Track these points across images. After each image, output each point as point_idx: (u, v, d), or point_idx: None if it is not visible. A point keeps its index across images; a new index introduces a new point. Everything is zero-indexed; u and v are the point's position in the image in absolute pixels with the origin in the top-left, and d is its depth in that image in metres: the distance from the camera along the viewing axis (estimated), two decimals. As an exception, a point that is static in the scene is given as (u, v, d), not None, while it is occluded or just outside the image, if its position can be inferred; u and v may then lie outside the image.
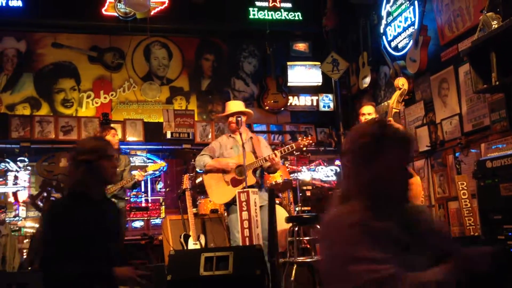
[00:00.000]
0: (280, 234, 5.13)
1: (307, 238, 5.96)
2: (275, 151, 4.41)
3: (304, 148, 4.43)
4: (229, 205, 4.59)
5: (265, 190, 4.63)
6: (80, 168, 2.56)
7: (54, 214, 2.60)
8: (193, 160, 6.31)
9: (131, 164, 8.14)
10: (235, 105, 4.83)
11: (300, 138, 4.46)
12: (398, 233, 1.65)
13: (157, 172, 7.84)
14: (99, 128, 5.52)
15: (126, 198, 5.37)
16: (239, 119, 4.50)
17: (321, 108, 8.94)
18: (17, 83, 8.02)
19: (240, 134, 4.55)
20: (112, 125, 7.53)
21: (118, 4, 8.01)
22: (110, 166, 2.63)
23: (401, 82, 4.54)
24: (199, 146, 7.73)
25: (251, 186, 4.35)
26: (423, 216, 1.89)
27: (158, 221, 7.63)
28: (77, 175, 2.58)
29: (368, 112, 4.90)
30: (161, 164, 5.34)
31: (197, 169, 4.86)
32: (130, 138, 7.85)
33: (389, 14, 7.06)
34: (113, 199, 4.97)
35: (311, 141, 4.44)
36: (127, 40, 8.46)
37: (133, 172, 5.30)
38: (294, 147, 4.46)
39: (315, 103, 8.95)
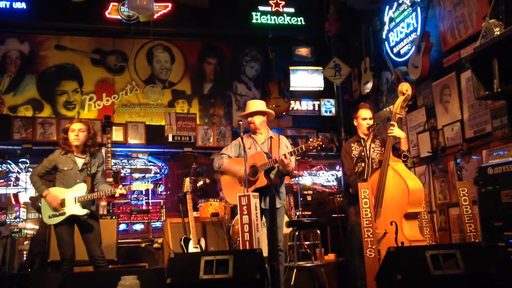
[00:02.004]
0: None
1: (307, 242, 5.95)
2: (285, 153, 4.38)
3: (314, 150, 4.39)
4: None
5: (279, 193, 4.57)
6: None
7: None
8: (194, 163, 6.32)
9: (131, 167, 8.13)
10: (252, 105, 4.77)
11: (310, 140, 4.42)
12: None
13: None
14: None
15: (92, 208, 4.71)
16: (241, 123, 4.47)
17: (323, 113, 8.95)
18: (20, 85, 8.04)
19: (251, 136, 4.57)
20: (114, 127, 7.57)
21: (122, 7, 8.05)
22: None
23: (405, 87, 4.51)
24: (200, 150, 7.76)
25: (264, 188, 4.33)
26: None
27: (158, 224, 7.63)
28: None
29: (369, 116, 4.85)
30: (148, 186, 5.06)
31: (214, 166, 4.78)
32: (132, 141, 7.86)
33: (391, 20, 7.08)
34: (84, 209, 4.53)
35: (321, 143, 4.39)
36: (130, 43, 8.49)
37: (117, 190, 4.84)
38: (304, 148, 4.42)
39: (317, 108, 8.96)
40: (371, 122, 4.79)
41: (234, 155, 4.69)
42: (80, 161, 4.63)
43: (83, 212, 4.53)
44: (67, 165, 4.59)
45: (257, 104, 4.78)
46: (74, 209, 4.52)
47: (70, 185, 4.58)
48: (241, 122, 4.45)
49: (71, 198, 4.53)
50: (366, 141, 4.72)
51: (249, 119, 4.66)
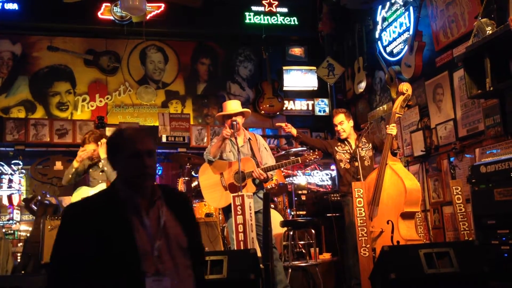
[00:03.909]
0: (275, 238, 5.13)
1: (302, 242, 5.96)
2: (259, 169, 4.37)
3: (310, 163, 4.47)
4: (228, 210, 4.35)
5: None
6: None
7: None
8: (188, 164, 6.30)
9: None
10: (232, 106, 4.70)
11: (306, 153, 4.48)
12: None
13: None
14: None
15: None
16: (235, 123, 4.44)
17: (317, 113, 8.96)
18: (12, 86, 7.99)
19: (236, 138, 4.50)
20: (107, 128, 7.53)
21: (114, 7, 8.01)
22: None
23: (405, 87, 4.52)
24: (194, 150, 7.75)
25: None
26: None
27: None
28: None
29: (338, 121, 4.90)
30: None
31: (208, 159, 4.64)
32: (125, 141, 7.82)
33: (384, 19, 7.10)
34: None
35: (317, 156, 4.46)
36: (123, 43, 8.46)
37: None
38: (300, 161, 4.48)
39: (310, 108, 8.96)
40: (341, 127, 4.87)
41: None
42: (101, 163, 5.04)
43: None
44: (92, 167, 5.11)
45: (238, 104, 4.71)
46: None
47: (94, 185, 5.06)
48: (234, 123, 4.44)
49: None
50: (349, 142, 4.85)
51: (234, 118, 4.50)
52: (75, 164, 5.00)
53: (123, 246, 1.99)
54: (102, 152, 4.94)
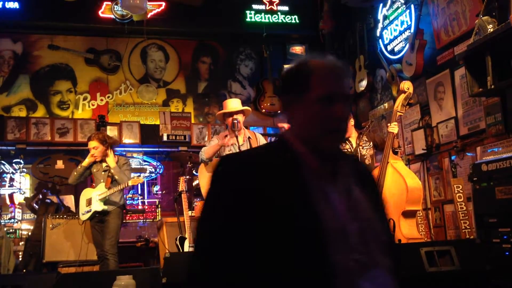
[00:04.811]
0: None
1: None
2: None
3: None
4: None
5: None
6: None
7: None
8: (189, 163, 6.30)
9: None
10: (232, 105, 4.71)
11: None
12: None
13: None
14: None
15: (112, 206, 5.31)
16: (236, 121, 4.44)
17: (318, 111, 8.94)
18: (13, 85, 8.00)
19: (237, 137, 4.50)
20: (108, 127, 7.55)
21: (115, 6, 8.01)
22: None
23: (406, 86, 4.53)
24: (195, 149, 7.73)
25: None
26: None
27: (154, 223, 7.61)
28: None
29: None
30: (143, 169, 5.57)
31: (201, 159, 4.68)
32: (126, 140, 7.83)
33: (385, 17, 7.09)
34: (101, 206, 5.13)
35: None
36: (123, 42, 8.46)
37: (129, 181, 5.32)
38: None
39: (311, 106, 8.95)
40: None
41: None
42: (104, 164, 5.25)
43: (100, 208, 5.08)
44: (96, 167, 5.29)
45: (239, 103, 4.73)
46: (95, 206, 5.10)
47: (97, 185, 5.25)
48: (236, 121, 4.44)
49: (94, 197, 5.13)
50: (350, 141, 4.85)
51: (235, 116, 4.56)
52: (84, 163, 5.28)
53: (306, 224, 1.30)
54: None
